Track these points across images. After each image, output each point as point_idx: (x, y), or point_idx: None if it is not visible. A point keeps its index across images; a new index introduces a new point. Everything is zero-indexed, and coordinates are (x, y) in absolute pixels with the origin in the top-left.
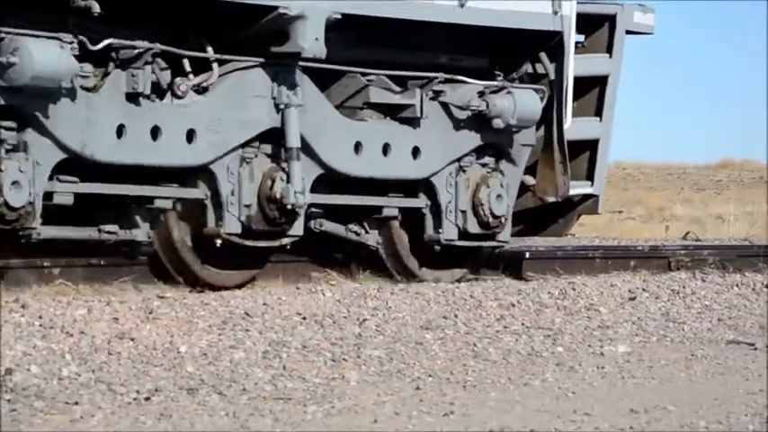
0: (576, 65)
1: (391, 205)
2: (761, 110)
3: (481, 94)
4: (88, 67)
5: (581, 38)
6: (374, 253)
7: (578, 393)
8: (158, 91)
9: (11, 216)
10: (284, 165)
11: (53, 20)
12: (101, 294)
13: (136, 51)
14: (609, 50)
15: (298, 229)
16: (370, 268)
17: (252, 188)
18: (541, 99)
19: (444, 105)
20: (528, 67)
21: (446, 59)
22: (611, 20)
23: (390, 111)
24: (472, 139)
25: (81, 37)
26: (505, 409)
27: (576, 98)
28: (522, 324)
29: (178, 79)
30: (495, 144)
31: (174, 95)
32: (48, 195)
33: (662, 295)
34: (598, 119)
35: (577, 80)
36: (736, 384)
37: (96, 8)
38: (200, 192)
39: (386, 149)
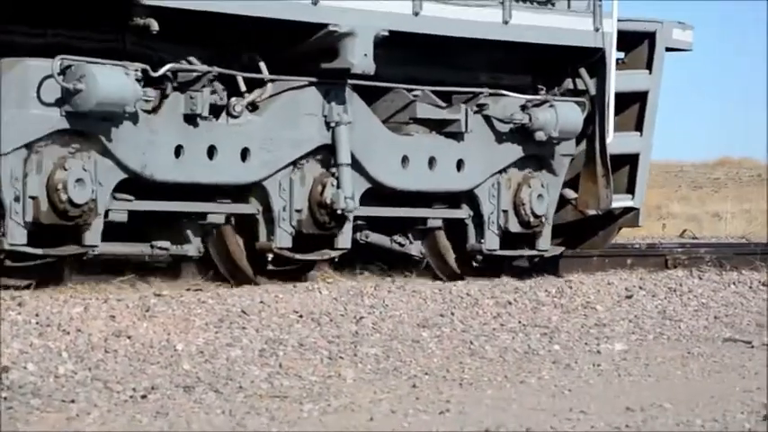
0: (616, 81)
1: (435, 216)
2: (761, 109)
3: (523, 107)
4: (151, 91)
5: (621, 54)
6: (417, 262)
7: (574, 391)
8: (214, 110)
9: (74, 212)
10: (334, 171)
11: (112, 38)
12: (98, 292)
13: (195, 74)
14: (649, 67)
15: (345, 241)
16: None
17: (303, 193)
18: (582, 111)
19: (487, 119)
20: (569, 84)
21: (489, 76)
22: (650, 37)
23: (435, 125)
24: (514, 151)
25: (143, 65)
26: (502, 407)
27: (616, 113)
28: (519, 322)
29: (233, 99)
30: (537, 155)
31: (230, 115)
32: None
33: (659, 293)
34: (638, 133)
35: (618, 96)
36: (732, 382)
37: (155, 26)
38: (252, 207)
39: (431, 163)
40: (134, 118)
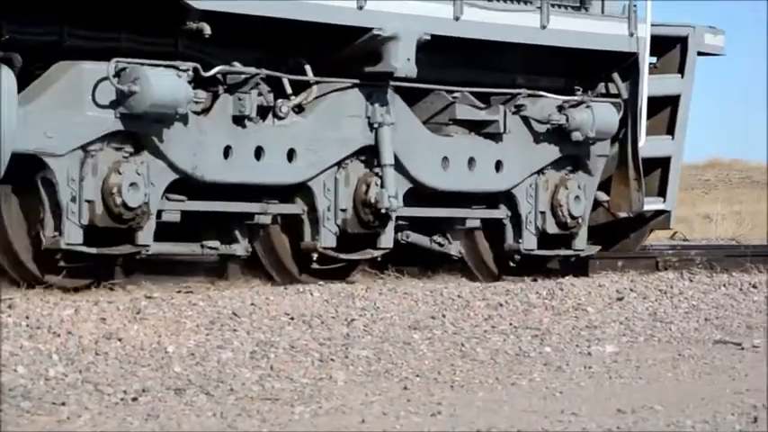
0: (648, 84)
1: (475, 216)
2: (761, 110)
3: (560, 108)
4: (201, 93)
5: (653, 59)
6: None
7: (566, 393)
8: (261, 112)
9: (128, 215)
10: (378, 171)
11: (165, 42)
12: (88, 294)
13: (243, 76)
14: (681, 71)
15: (388, 241)
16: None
17: (348, 193)
18: (618, 112)
19: (525, 120)
20: (601, 87)
21: (525, 79)
22: (683, 41)
23: (474, 126)
24: (551, 151)
25: (194, 64)
26: (493, 409)
27: (648, 117)
28: (510, 324)
29: (280, 101)
30: (573, 155)
31: (276, 116)
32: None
33: (649, 295)
34: (670, 137)
35: (650, 99)
36: (722, 384)
37: (208, 30)
38: (297, 207)
39: (471, 163)
40: (185, 119)
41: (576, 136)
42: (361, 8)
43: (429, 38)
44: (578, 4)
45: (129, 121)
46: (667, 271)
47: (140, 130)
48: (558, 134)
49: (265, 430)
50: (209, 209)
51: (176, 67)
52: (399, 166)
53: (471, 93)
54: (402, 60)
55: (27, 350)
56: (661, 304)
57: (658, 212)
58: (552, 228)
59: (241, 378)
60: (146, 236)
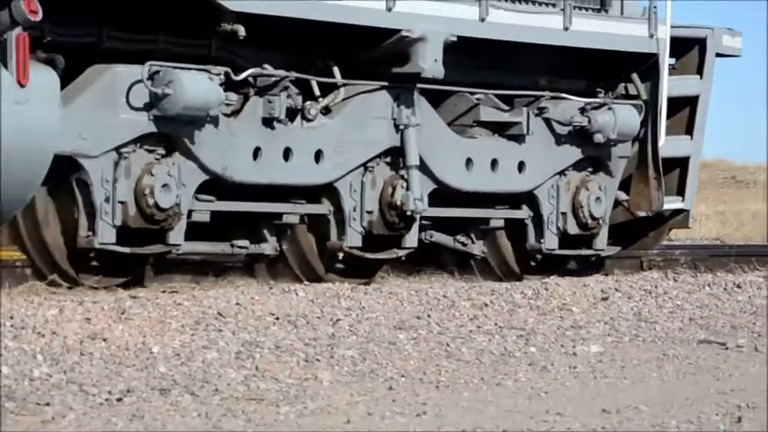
0: (668, 85)
1: (497, 217)
2: (761, 110)
3: (582, 110)
4: (232, 95)
5: (671, 60)
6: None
7: (551, 393)
8: (289, 114)
9: (160, 216)
10: (403, 173)
11: (199, 44)
12: (73, 294)
13: (273, 79)
14: (699, 72)
15: (412, 241)
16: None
17: (374, 195)
18: (639, 114)
19: (547, 121)
20: (621, 88)
21: (547, 80)
22: (701, 43)
23: (498, 128)
24: (573, 152)
25: (226, 68)
26: (478, 410)
27: (667, 117)
28: (496, 324)
29: (308, 103)
30: (594, 157)
31: (304, 118)
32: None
33: (634, 295)
34: (689, 137)
35: (669, 100)
36: (707, 384)
37: (242, 32)
38: (324, 207)
39: (494, 165)
40: (215, 121)
41: (598, 138)
42: (389, 10)
43: (455, 39)
44: (599, 6)
45: (161, 123)
46: (652, 271)
47: (173, 132)
48: (580, 136)
49: (250, 430)
50: (239, 209)
51: (208, 71)
52: (424, 167)
53: (495, 95)
54: (429, 61)
55: (11, 350)
56: (646, 304)
57: (676, 212)
58: (573, 228)
59: (226, 378)
60: (177, 235)
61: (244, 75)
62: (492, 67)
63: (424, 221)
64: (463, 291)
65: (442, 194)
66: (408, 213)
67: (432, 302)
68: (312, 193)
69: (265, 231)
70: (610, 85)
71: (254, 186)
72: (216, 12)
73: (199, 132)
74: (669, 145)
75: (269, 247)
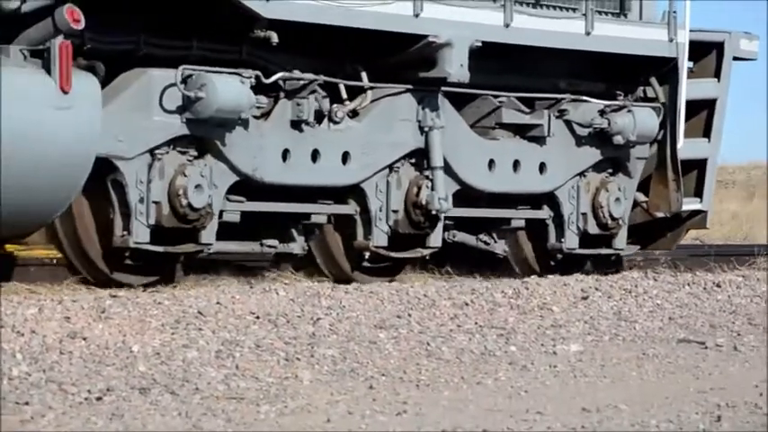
0: (686, 88)
1: (519, 217)
2: (761, 110)
3: (602, 112)
4: (263, 98)
5: (689, 63)
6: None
7: (531, 392)
8: (317, 117)
9: (192, 216)
10: (428, 173)
11: (231, 50)
12: (53, 293)
13: (302, 82)
14: (717, 75)
15: (436, 240)
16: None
17: (399, 195)
18: (658, 116)
19: (568, 123)
20: (639, 91)
21: (567, 83)
22: (719, 47)
23: (519, 130)
24: (593, 154)
25: (257, 72)
26: (458, 409)
27: (685, 120)
28: (476, 323)
29: (335, 106)
30: (614, 158)
31: (332, 120)
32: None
33: (614, 294)
34: (706, 139)
35: (687, 103)
36: (686, 383)
37: (275, 38)
38: (350, 208)
39: (516, 166)
40: (246, 124)
41: (618, 140)
42: (417, 16)
43: (480, 44)
44: (618, 11)
45: (194, 125)
46: (632, 270)
47: (205, 134)
48: (600, 138)
49: (231, 430)
50: (269, 209)
51: (240, 74)
52: (448, 168)
53: (516, 97)
54: (456, 66)
55: None
56: (625, 303)
57: (694, 213)
58: (593, 228)
59: (206, 377)
60: (209, 235)
61: (274, 78)
62: (514, 71)
63: (447, 221)
64: (444, 290)
65: (465, 195)
66: (434, 213)
67: (412, 302)
68: (339, 194)
69: (294, 231)
70: (628, 88)
71: (283, 187)
72: (249, 18)
73: (230, 134)
74: (687, 147)
75: (297, 246)
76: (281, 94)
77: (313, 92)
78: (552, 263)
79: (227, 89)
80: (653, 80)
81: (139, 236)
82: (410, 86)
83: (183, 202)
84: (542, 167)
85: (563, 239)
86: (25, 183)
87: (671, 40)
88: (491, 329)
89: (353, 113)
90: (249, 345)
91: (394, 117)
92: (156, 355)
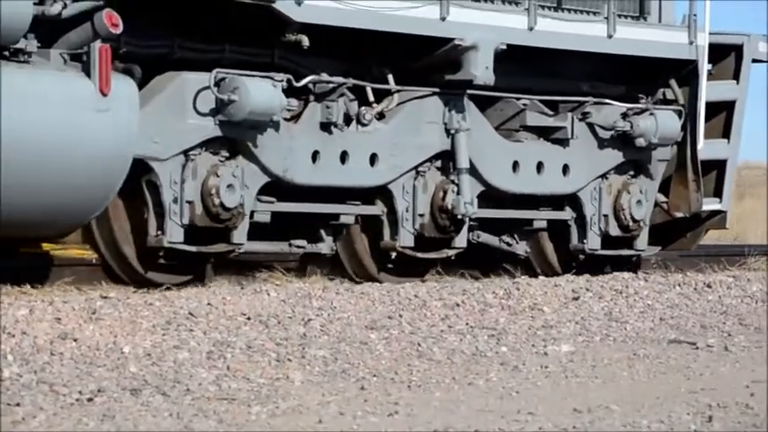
0: (706, 90)
1: (542, 218)
2: (761, 110)
3: (624, 115)
4: (294, 101)
5: (708, 66)
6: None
7: (522, 393)
8: (346, 119)
9: (225, 215)
10: (454, 177)
11: (261, 53)
12: (43, 294)
13: (331, 85)
14: (735, 77)
15: (462, 241)
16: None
17: (425, 199)
18: (680, 119)
19: (591, 126)
20: (659, 93)
21: (588, 86)
22: (738, 49)
23: (543, 132)
24: (615, 156)
25: (288, 75)
26: (450, 409)
27: (705, 121)
28: (467, 324)
29: (363, 108)
30: (636, 160)
31: (360, 123)
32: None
33: (605, 295)
34: (726, 140)
35: (707, 104)
36: (677, 383)
37: (306, 42)
38: (378, 209)
39: (539, 168)
40: (277, 126)
41: (640, 142)
42: (443, 19)
43: (505, 47)
44: (637, 14)
45: (227, 127)
46: (622, 271)
47: (237, 136)
48: (622, 140)
49: (222, 431)
50: (298, 210)
51: (272, 77)
52: (473, 170)
53: (540, 100)
54: (481, 69)
55: None
56: (616, 304)
57: (713, 213)
58: (615, 230)
59: (197, 378)
60: (240, 235)
61: (304, 81)
62: (537, 74)
63: (471, 222)
64: (435, 290)
65: (487, 195)
66: (459, 217)
67: (403, 302)
68: (366, 195)
69: (322, 231)
70: (648, 90)
71: (312, 188)
72: (281, 22)
73: (261, 136)
74: (707, 148)
75: (325, 246)
76: (311, 97)
77: (342, 95)
78: (574, 264)
79: (260, 92)
80: (672, 82)
81: (173, 235)
82: (436, 89)
83: (215, 201)
84: (565, 169)
85: (585, 240)
86: (65, 183)
87: (691, 43)
88: (482, 330)
89: (381, 116)
90: (240, 346)
91: (420, 119)
92: (147, 356)
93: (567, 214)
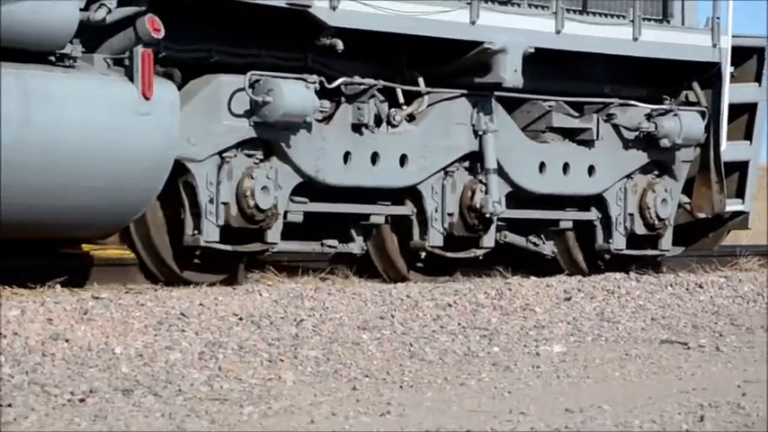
0: (729, 92)
1: (568, 218)
2: None
3: (649, 116)
4: (326, 103)
5: (730, 68)
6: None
7: (514, 393)
8: (376, 120)
9: (259, 216)
10: (482, 178)
11: (296, 56)
12: (34, 295)
13: (362, 87)
14: (757, 80)
15: (489, 241)
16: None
17: (454, 198)
18: (703, 120)
19: (616, 127)
20: (682, 95)
21: (613, 89)
22: (759, 52)
23: (569, 133)
24: (640, 157)
25: (321, 78)
26: (442, 409)
27: (727, 123)
28: (459, 324)
29: (393, 110)
30: (660, 161)
31: (390, 124)
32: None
33: (597, 295)
34: (748, 142)
35: (729, 106)
36: (669, 383)
37: (340, 46)
38: (407, 209)
39: (566, 168)
40: (309, 127)
41: (665, 143)
42: (473, 23)
43: (533, 50)
44: (661, 17)
45: (261, 128)
46: (614, 271)
47: (271, 137)
48: (647, 141)
49: (214, 431)
50: (330, 210)
51: (305, 79)
52: (500, 171)
53: (566, 102)
54: (510, 72)
55: None
56: (608, 304)
57: (735, 214)
58: (640, 229)
59: (189, 379)
60: (274, 234)
61: (336, 83)
62: (563, 76)
63: (499, 222)
64: (426, 291)
65: (514, 196)
66: (488, 216)
67: (395, 303)
68: (396, 195)
69: (353, 231)
70: (671, 92)
71: (343, 188)
72: (315, 26)
73: (295, 138)
74: (729, 150)
75: (356, 246)
76: (343, 99)
77: (372, 96)
78: (600, 263)
79: (293, 94)
80: (695, 84)
81: (210, 235)
82: (465, 91)
83: (250, 203)
84: (591, 170)
85: (611, 240)
86: (109, 186)
87: (714, 46)
88: (474, 330)
89: (410, 117)
90: (232, 346)
91: (449, 121)
92: (139, 357)
93: (593, 214)
